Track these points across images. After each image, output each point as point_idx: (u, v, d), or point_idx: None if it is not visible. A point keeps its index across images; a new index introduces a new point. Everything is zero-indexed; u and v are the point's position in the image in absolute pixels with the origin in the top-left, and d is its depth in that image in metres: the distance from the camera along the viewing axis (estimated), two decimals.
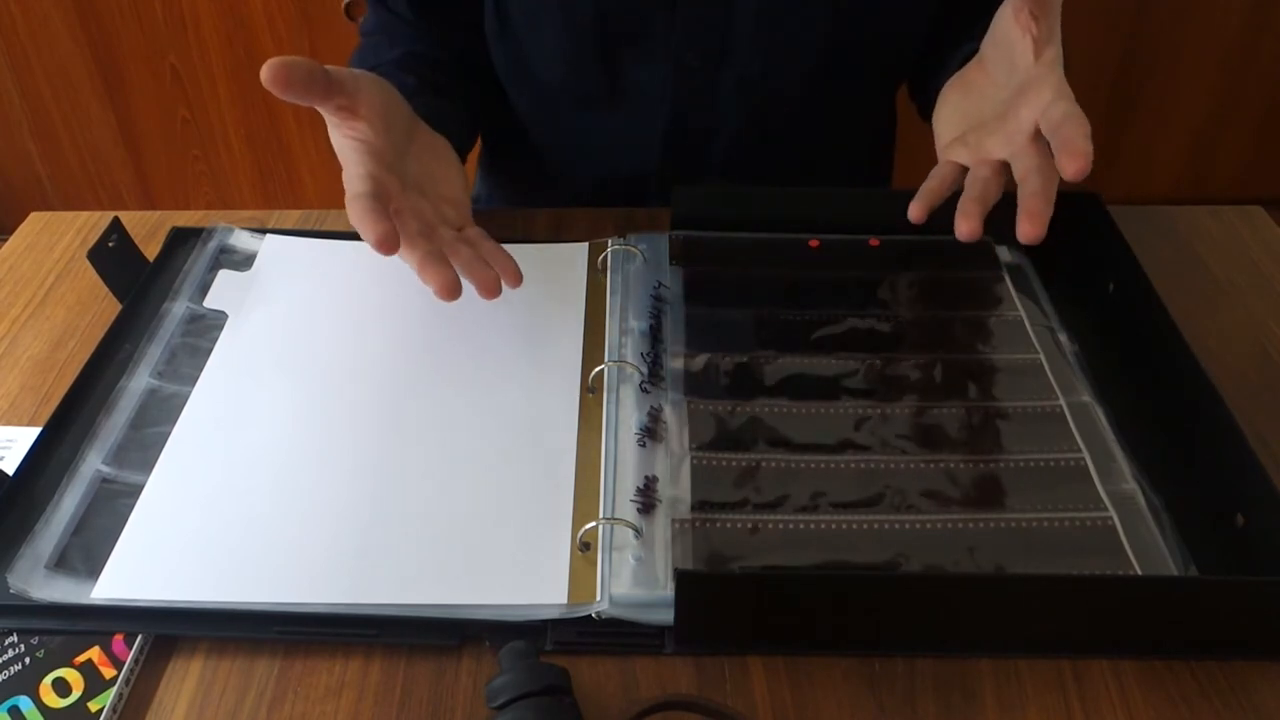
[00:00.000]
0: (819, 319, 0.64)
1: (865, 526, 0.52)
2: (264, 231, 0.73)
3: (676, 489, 0.54)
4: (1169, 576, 0.50)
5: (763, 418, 0.58)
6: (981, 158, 0.61)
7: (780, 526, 0.52)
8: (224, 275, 0.69)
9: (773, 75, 0.75)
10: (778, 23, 0.73)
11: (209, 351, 0.63)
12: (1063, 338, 0.64)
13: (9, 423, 0.61)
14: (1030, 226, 0.55)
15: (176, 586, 0.50)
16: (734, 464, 0.55)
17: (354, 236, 0.73)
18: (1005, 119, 0.59)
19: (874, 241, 0.70)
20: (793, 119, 0.80)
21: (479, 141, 0.90)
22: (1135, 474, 0.55)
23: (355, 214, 0.57)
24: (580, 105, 0.79)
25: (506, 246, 0.71)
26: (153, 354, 0.62)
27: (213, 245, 0.71)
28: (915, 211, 0.64)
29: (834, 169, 0.87)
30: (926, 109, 0.78)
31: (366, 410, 0.59)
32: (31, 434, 0.58)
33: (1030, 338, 0.63)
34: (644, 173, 0.81)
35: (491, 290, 0.60)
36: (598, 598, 0.49)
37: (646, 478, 0.54)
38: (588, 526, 0.52)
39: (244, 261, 0.70)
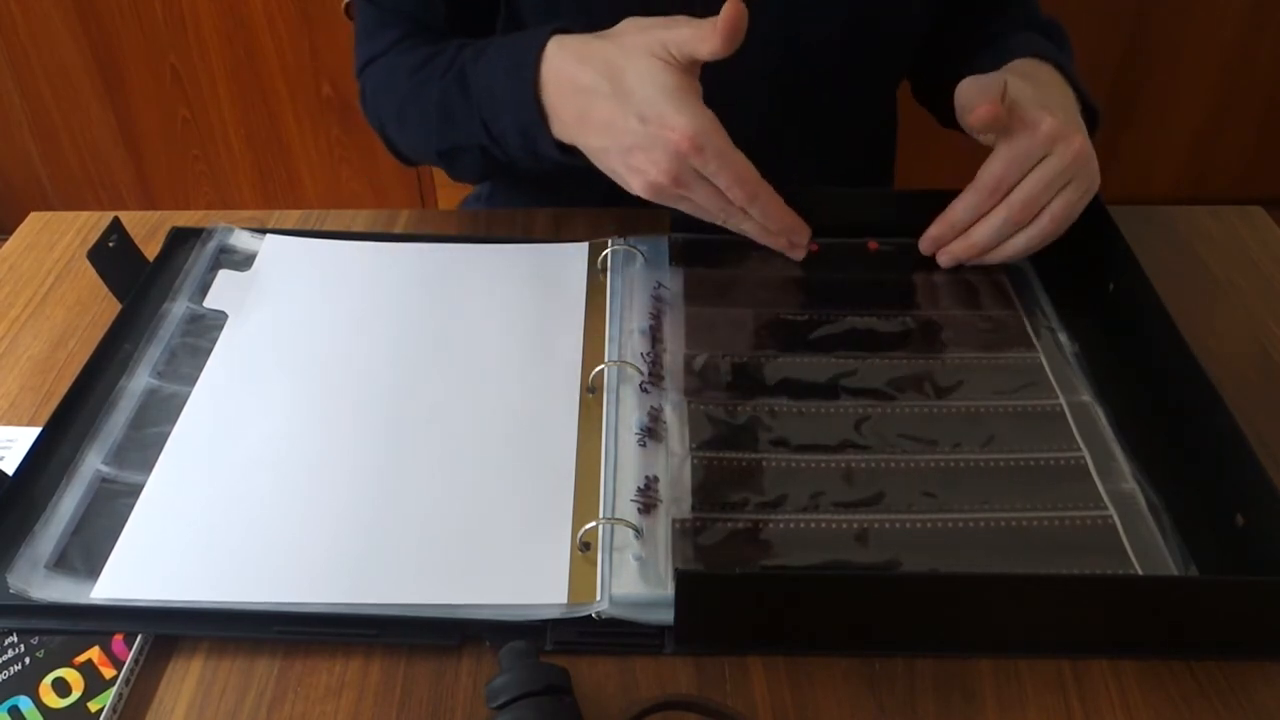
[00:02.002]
0: (818, 319, 0.64)
1: (865, 526, 0.52)
2: (264, 231, 0.73)
3: (677, 489, 0.54)
4: (1169, 576, 0.50)
5: (763, 417, 0.58)
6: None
7: (780, 526, 0.52)
8: (224, 275, 0.69)
9: (787, 66, 0.76)
10: (795, 10, 0.73)
11: (209, 351, 0.63)
12: (1063, 338, 0.64)
13: (9, 423, 0.61)
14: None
15: (176, 586, 0.50)
16: (734, 464, 0.55)
17: (354, 236, 0.74)
18: None
19: (873, 245, 0.70)
20: (804, 116, 0.80)
21: None
22: (1135, 474, 0.55)
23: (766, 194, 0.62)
24: None
25: (506, 247, 0.72)
26: (153, 354, 0.62)
27: (213, 245, 0.71)
28: (926, 247, 0.68)
29: (839, 170, 0.87)
30: (944, 109, 0.79)
31: (366, 410, 0.59)
32: (31, 434, 0.58)
33: (1030, 337, 0.63)
34: None
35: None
36: (598, 598, 0.49)
37: (647, 478, 0.54)
38: (588, 526, 0.52)
39: (244, 261, 0.70)
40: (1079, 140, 0.62)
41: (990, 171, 0.64)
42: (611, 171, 0.63)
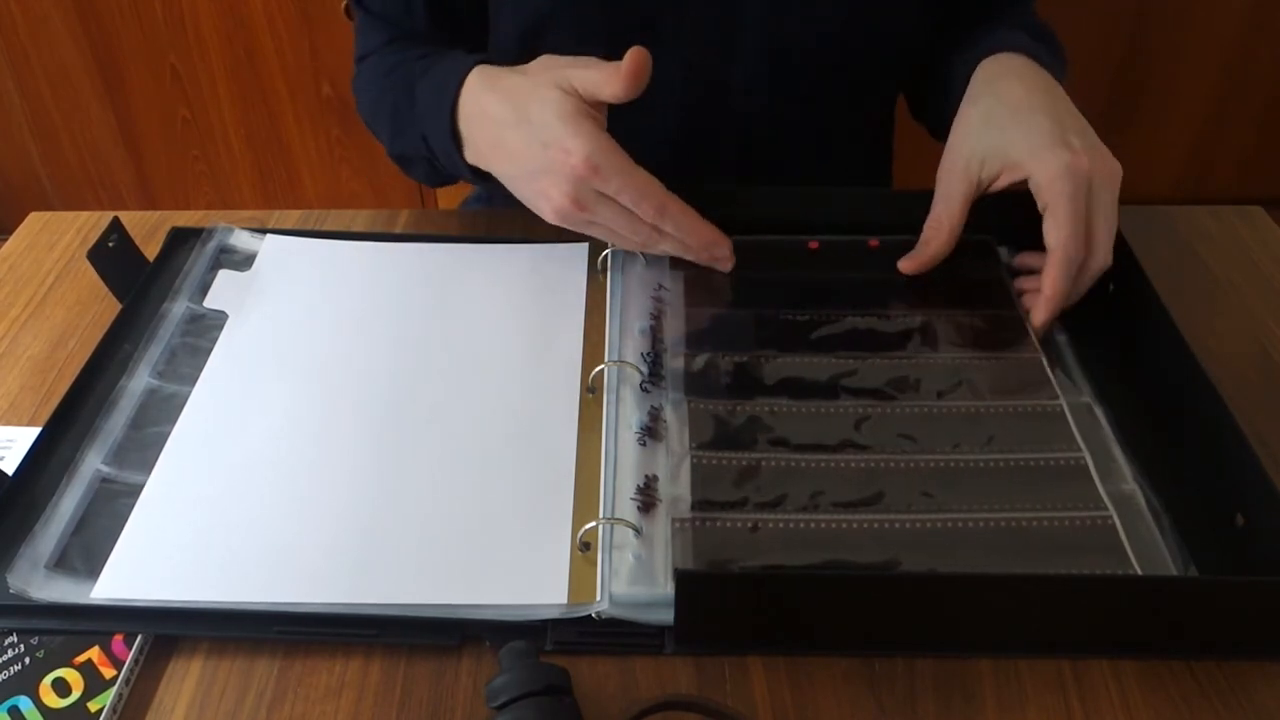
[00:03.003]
0: (819, 319, 0.64)
1: (865, 526, 0.52)
2: (264, 231, 0.73)
3: (676, 488, 0.54)
4: (1169, 576, 0.50)
5: (763, 417, 0.58)
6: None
7: (780, 526, 0.52)
8: (224, 275, 0.69)
9: (780, 74, 0.76)
10: (786, 19, 0.73)
11: (209, 351, 0.63)
12: (1063, 338, 0.64)
13: (9, 423, 0.61)
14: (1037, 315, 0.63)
15: (176, 586, 0.50)
16: (734, 463, 0.55)
17: (354, 236, 0.74)
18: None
19: (873, 243, 0.70)
20: (798, 120, 0.80)
21: None
22: (1135, 474, 0.55)
23: (677, 207, 0.62)
24: None
25: (506, 246, 0.72)
26: (153, 354, 0.62)
27: (213, 245, 0.71)
28: (906, 267, 0.67)
29: (836, 172, 0.87)
30: (935, 122, 0.78)
31: (366, 410, 0.59)
32: (31, 434, 0.58)
33: (1031, 337, 0.63)
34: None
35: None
36: (598, 597, 0.49)
37: (647, 477, 0.54)
38: (588, 526, 0.52)
39: (244, 261, 0.70)
40: (1106, 161, 0.62)
41: (1061, 241, 0.61)
42: (523, 199, 0.65)
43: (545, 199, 0.62)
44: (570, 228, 0.64)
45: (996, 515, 0.52)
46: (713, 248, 0.64)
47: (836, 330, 0.64)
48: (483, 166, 0.67)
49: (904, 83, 0.85)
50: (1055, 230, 0.61)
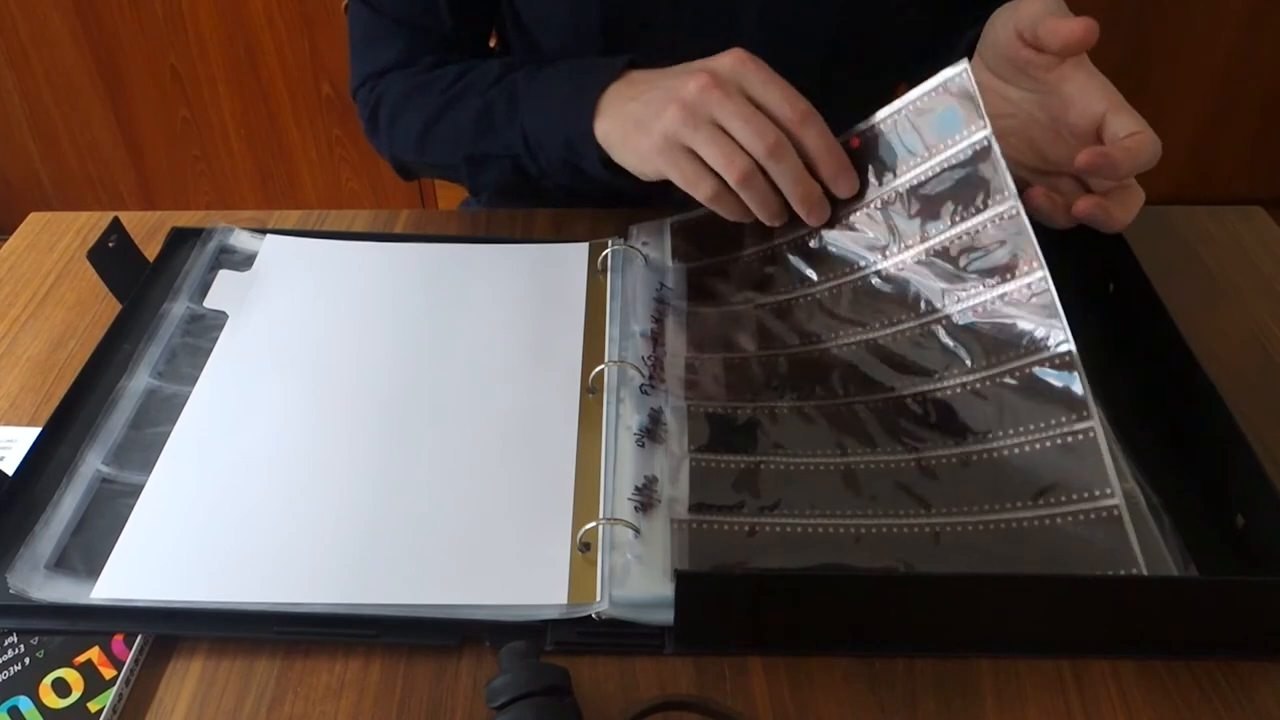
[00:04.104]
0: (822, 320, 0.64)
1: (863, 530, 0.52)
2: (264, 231, 0.73)
3: (675, 489, 0.54)
4: (1169, 576, 0.50)
5: (762, 420, 0.58)
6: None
7: (778, 529, 0.52)
8: (224, 275, 0.69)
9: (779, 69, 0.75)
10: (782, 16, 0.73)
11: (209, 351, 0.63)
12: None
13: (9, 423, 0.61)
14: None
15: (176, 586, 0.50)
16: (733, 466, 0.55)
17: (354, 236, 0.74)
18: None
19: (854, 142, 0.64)
20: None
21: None
22: (1135, 474, 0.55)
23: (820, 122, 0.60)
24: None
25: (506, 247, 0.72)
26: (153, 354, 0.62)
27: (213, 245, 0.71)
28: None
29: None
30: None
31: (366, 410, 0.59)
32: (31, 434, 0.58)
33: (1059, 313, 0.60)
34: None
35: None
36: (598, 598, 0.49)
37: (646, 478, 0.54)
38: (588, 526, 0.52)
39: (244, 262, 0.70)
40: None
41: (1137, 124, 0.61)
42: (638, 121, 0.61)
43: (673, 99, 0.59)
44: (680, 138, 0.59)
45: (998, 517, 0.52)
46: (836, 178, 0.60)
47: (840, 332, 0.63)
48: (608, 114, 0.64)
49: (923, 58, 0.85)
50: (1120, 118, 0.60)
